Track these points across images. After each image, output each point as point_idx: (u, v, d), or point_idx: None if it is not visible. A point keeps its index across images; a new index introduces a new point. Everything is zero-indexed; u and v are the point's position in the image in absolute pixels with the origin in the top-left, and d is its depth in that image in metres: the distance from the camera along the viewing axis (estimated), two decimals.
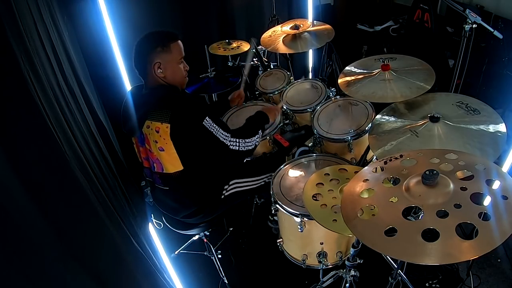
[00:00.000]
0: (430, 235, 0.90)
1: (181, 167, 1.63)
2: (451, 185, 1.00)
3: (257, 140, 1.75)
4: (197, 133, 1.55)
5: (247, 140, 1.68)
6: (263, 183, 1.94)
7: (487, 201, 0.96)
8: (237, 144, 1.65)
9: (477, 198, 0.96)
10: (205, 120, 1.54)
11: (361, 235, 1.01)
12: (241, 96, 2.29)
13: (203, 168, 1.73)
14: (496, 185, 1.00)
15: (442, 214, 0.94)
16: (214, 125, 1.57)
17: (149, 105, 1.58)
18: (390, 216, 0.99)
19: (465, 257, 0.87)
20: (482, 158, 1.14)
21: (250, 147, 1.70)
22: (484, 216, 0.91)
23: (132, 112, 1.63)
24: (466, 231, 0.98)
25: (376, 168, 1.19)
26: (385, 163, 1.20)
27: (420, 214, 1.04)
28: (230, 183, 1.87)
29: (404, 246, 0.91)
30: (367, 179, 1.16)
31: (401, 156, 1.20)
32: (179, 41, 1.64)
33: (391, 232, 0.95)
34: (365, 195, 1.11)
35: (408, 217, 0.99)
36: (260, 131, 1.80)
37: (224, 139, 1.60)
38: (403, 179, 1.08)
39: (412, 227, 0.94)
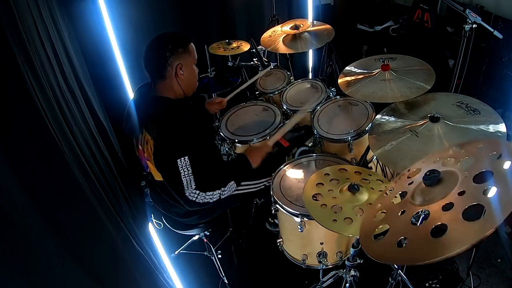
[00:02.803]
0: (440, 230, 0.88)
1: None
2: (454, 176, 0.98)
3: (224, 192, 1.58)
4: (167, 164, 1.49)
5: (208, 193, 1.53)
6: (262, 186, 1.93)
7: (490, 176, 0.91)
8: (196, 196, 1.51)
9: (480, 177, 0.92)
10: (181, 159, 1.44)
11: (379, 256, 0.95)
12: (222, 104, 2.15)
13: None
14: (498, 156, 0.95)
15: (448, 207, 0.91)
16: (188, 169, 1.46)
17: (148, 114, 1.57)
18: (401, 228, 0.97)
19: (479, 236, 0.79)
20: (482, 139, 1.11)
21: (210, 200, 1.54)
22: (488, 191, 0.87)
23: (134, 114, 1.62)
24: (476, 215, 0.95)
25: (385, 193, 1.19)
26: (395, 182, 1.19)
27: (420, 214, 1.03)
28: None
29: (418, 250, 0.89)
30: (379, 204, 1.15)
31: (408, 170, 1.19)
32: (192, 43, 1.63)
33: (403, 241, 0.93)
34: (378, 218, 1.10)
35: (413, 222, 0.98)
36: (233, 183, 1.60)
37: (187, 187, 1.48)
38: (409, 190, 1.07)
39: (420, 230, 0.92)
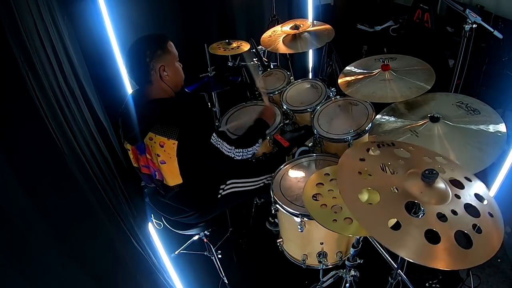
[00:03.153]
0: (430, 235, 0.91)
1: (180, 181, 1.65)
2: (449, 190, 1.03)
3: (257, 147, 1.76)
4: (205, 150, 1.59)
5: (248, 149, 1.71)
6: (262, 184, 1.94)
7: (478, 213, 0.99)
8: (241, 154, 1.68)
9: (470, 209, 0.99)
10: (212, 137, 1.58)
11: (363, 221, 0.98)
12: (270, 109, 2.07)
13: (201, 177, 1.76)
14: (482, 200, 1.04)
15: (441, 216, 0.95)
16: (219, 140, 1.61)
17: (154, 119, 1.57)
18: (393, 206, 0.99)
19: (468, 265, 0.88)
20: (468, 172, 1.16)
21: (251, 155, 1.73)
22: (478, 229, 0.94)
23: (134, 122, 1.62)
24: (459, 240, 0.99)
25: (370, 148, 1.20)
26: (378, 146, 1.21)
27: (420, 214, 1.04)
28: (227, 182, 1.86)
29: (412, 245, 0.91)
30: (363, 159, 1.16)
31: (393, 144, 1.22)
32: (169, 40, 1.64)
33: (394, 225, 0.96)
34: (365, 177, 1.11)
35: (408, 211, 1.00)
36: (260, 140, 1.79)
37: (229, 152, 1.63)
38: (402, 171, 1.09)
39: (415, 224, 0.94)
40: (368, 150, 1.19)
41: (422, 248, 0.89)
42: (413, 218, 0.96)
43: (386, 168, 1.13)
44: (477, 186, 1.09)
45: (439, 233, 0.91)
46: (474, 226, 0.93)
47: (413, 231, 0.92)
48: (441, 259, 0.87)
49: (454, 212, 0.96)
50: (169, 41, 1.63)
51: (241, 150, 1.67)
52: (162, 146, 1.56)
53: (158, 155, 1.59)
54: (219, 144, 1.60)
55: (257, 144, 1.76)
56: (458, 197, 1.01)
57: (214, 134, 1.59)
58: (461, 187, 1.07)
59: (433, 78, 1.62)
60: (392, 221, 1.05)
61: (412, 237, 0.91)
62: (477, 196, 1.04)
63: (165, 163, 1.60)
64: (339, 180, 1.10)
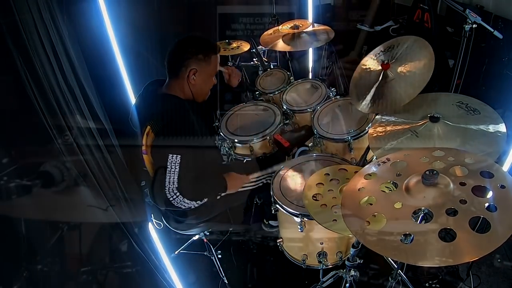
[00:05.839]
0: (445, 235, 0.89)
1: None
2: (451, 182, 1.00)
3: (201, 202, 1.60)
4: (159, 155, 1.52)
5: (186, 201, 1.53)
6: (261, 184, 1.93)
7: (489, 193, 0.95)
8: (174, 197, 1.50)
9: (478, 191, 0.95)
10: (173, 156, 1.46)
11: (378, 247, 0.96)
12: (234, 73, 2.14)
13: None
14: (490, 175, 0.99)
15: (451, 212, 0.93)
16: (176, 167, 1.46)
17: (154, 112, 1.59)
18: (401, 222, 0.97)
19: (490, 248, 0.83)
20: (468, 153, 1.12)
21: (184, 207, 1.55)
22: (490, 208, 0.90)
23: (141, 110, 1.65)
24: (471, 225, 0.97)
25: (367, 174, 1.19)
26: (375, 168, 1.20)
27: (420, 214, 1.04)
28: None
29: (427, 250, 0.89)
30: (362, 187, 1.14)
31: (388, 159, 1.19)
32: (218, 55, 1.66)
33: (407, 237, 0.93)
34: (367, 204, 1.09)
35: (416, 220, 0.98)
36: (206, 200, 1.62)
37: (169, 183, 1.47)
38: (401, 183, 1.07)
39: (427, 230, 0.91)
40: (365, 176, 1.18)
41: (442, 251, 0.86)
42: (423, 225, 0.94)
43: (386, 187, 1.11)
44: (481, 164, 1.03)
45: (453, 228, 0.88)
46: (487, 206, 0.90)
47: (428, 238, 0.89)
48: (465, 253, 0.84)
49: (463, 202, 0.93)
50: (216, 54, 1.65)
51: (178, 195, 1.50)
52: (147, 136, 1.57)
53: (143, 144, 1.61)
54: (171, 168, 1.45)
55: (204, 200, 1.60)
56: (463, 184, 0.97)
57: (179, 156, 1.45)
58: (464, 171, 1.03)
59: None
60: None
61: (428, 244, 0.88)
62: (484, 173, 0.99)
63: (146, 153, 1.62)
64: (345, 218, 1.08)
